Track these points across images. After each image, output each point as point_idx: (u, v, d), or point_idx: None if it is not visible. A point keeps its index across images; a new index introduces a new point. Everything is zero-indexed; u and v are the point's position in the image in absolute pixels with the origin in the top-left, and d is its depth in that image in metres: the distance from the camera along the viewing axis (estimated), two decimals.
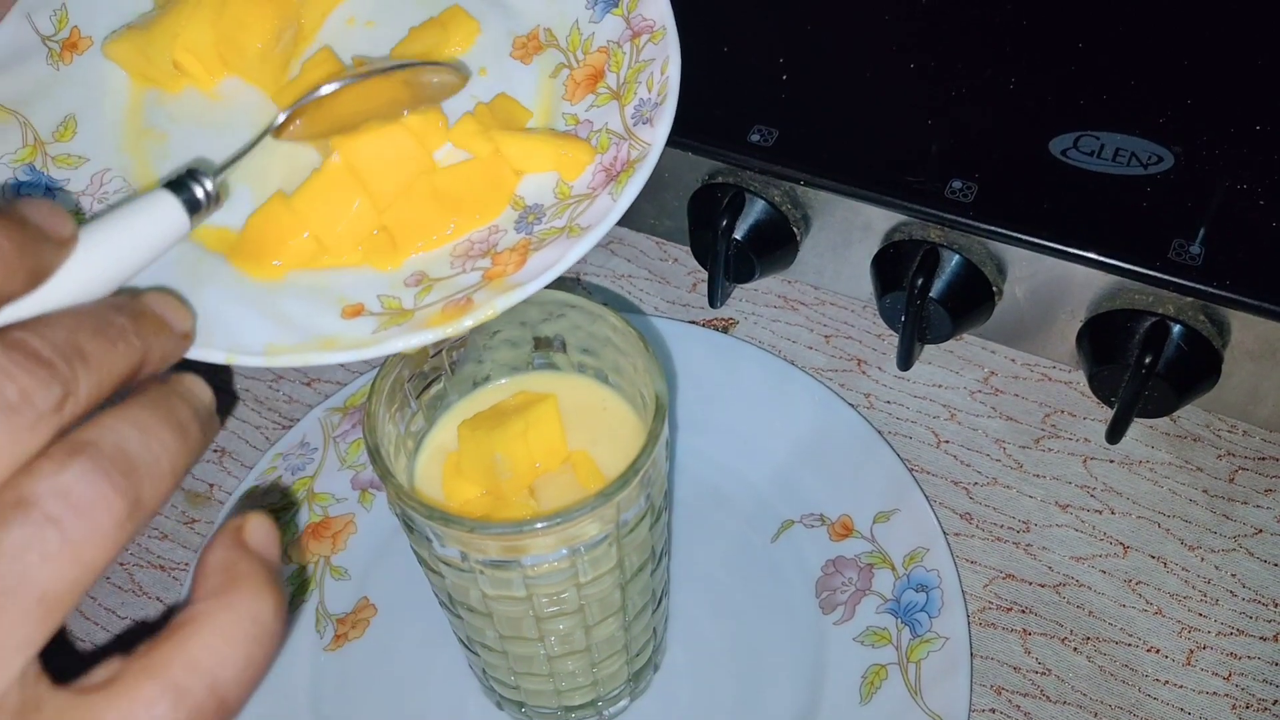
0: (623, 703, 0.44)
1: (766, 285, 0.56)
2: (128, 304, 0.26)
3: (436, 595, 0.39)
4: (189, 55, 0.39)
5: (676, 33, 0.38)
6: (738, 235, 0.46)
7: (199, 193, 0.30)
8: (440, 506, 0.34)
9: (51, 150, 0.38)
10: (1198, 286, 0.40)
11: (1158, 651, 0.45)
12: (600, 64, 0.39)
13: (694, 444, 0.51)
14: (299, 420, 0.53)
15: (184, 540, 0.51)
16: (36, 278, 0.25)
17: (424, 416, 0.39)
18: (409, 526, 0.35)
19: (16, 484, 0.22)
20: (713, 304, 0.48)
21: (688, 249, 0.56)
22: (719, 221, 0.46)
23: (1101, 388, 0.43)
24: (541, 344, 0.39)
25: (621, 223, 0.57)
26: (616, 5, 0.39)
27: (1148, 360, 0.40)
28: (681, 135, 0.47)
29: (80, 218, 0.28)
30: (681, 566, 0.47)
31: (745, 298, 0.56)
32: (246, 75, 0.39)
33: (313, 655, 0.46)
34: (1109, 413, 0.50)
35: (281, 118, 0.34)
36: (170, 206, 0.30)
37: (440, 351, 0.37)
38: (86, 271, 0.27)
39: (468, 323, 0.32)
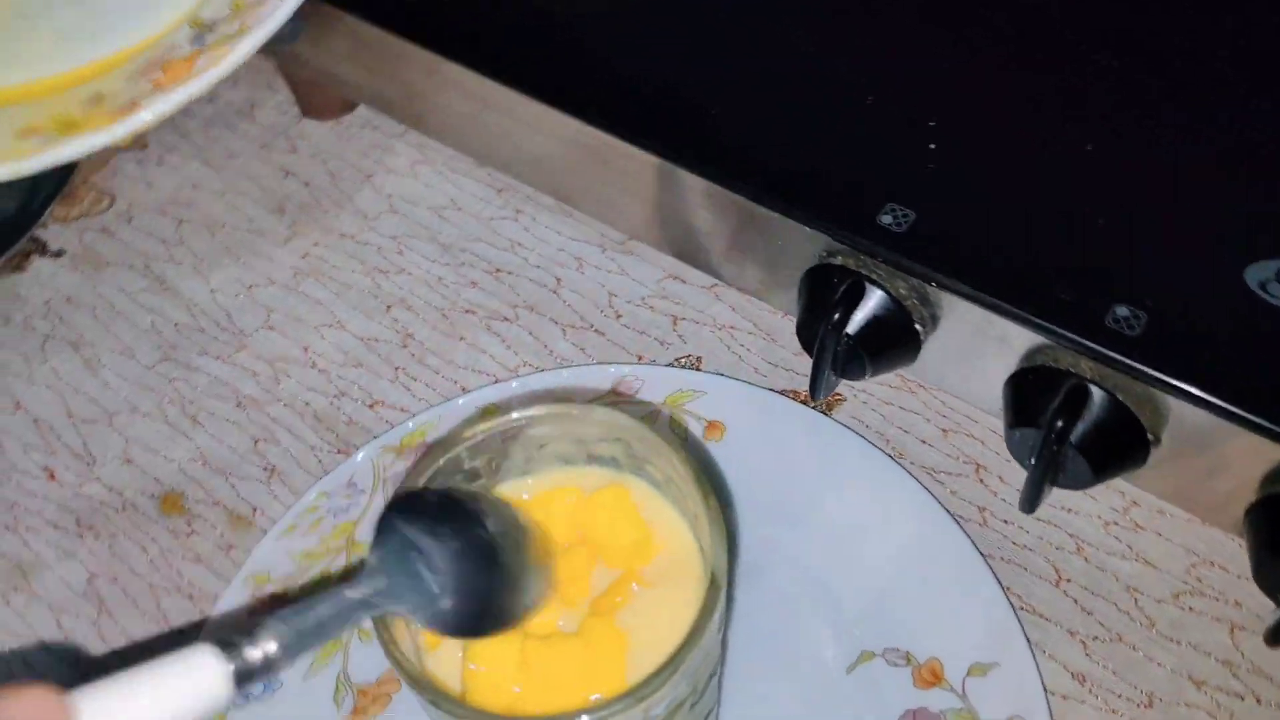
0: None
1: None
2: None
3: None
4: None
5: None
6: (850, 330, 0.40)
7: (255, 657, 0.24)
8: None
9: None
10: None
11: None
12: None
13: (774, 537, 0.45)
14: (356, 448, 0.49)
15: (218, 568, 0.47)
16: None
17: None
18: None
19: None
20: (814, 397, 0.42)
21: None
22: (830, 314, 0.39)
23: (1267, 581, 0.36)
24: (595, 462, 0.34)
25: (731, 282, 0.51)
26: None
27: None
28: (800, 205, 0.41)
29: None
30: (740, 680, 0.41)
31: None
32: None
33: None
34: None
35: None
36: (210, 671, 0.24)
37: (476, 467, 0.32)
38: None
39: (136, 121, 0.37)
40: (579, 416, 0.31)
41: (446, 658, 0.31)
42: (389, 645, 0.28)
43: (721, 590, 0.29)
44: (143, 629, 0.46)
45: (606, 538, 0.32)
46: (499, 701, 0.29)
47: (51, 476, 0.51)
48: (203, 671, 0.24)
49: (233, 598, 0.44)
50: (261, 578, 0.45)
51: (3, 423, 0.53)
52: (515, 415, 0.32)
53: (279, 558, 0.45)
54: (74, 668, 0.45)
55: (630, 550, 0.32)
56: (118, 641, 0.46)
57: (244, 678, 0.24)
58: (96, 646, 0.46)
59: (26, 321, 0.56)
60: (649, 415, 0.47)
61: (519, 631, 0.30)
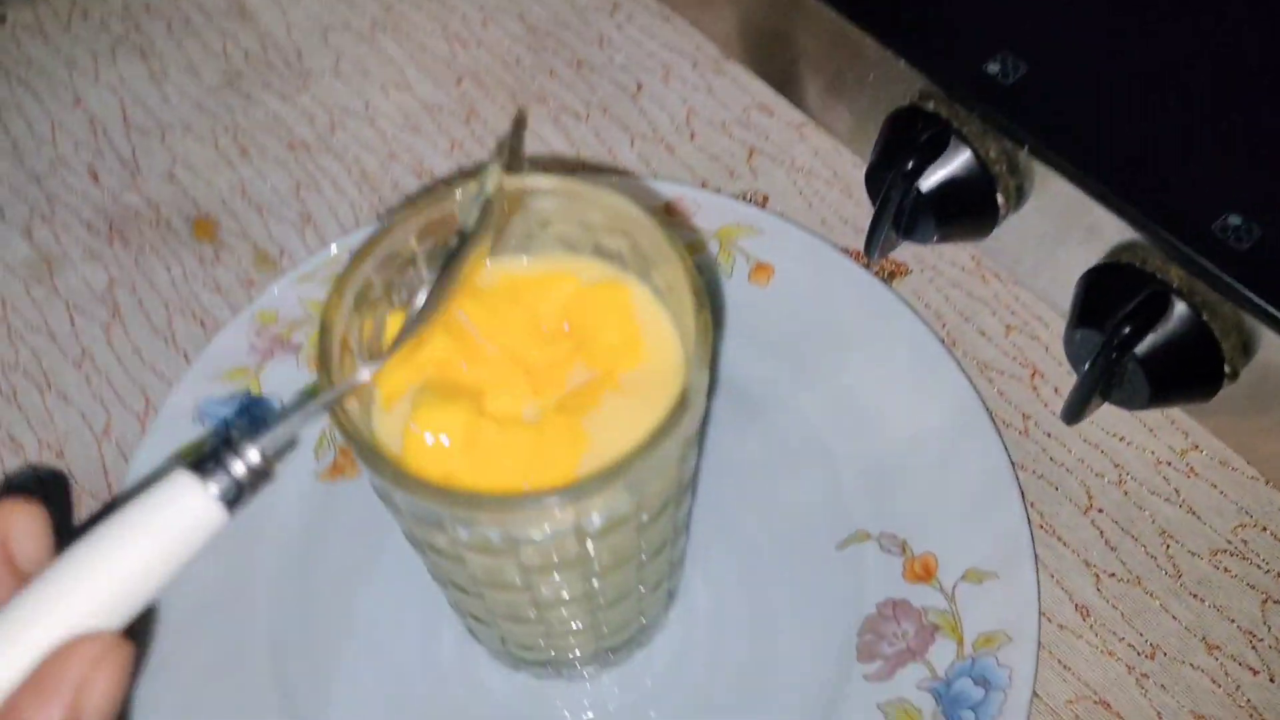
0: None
1: None
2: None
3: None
4: None
5: None
6: (924, 186, 0.36)
7: (240, 471, 0.22)
8: (407, 471, 0.27)
9: None
10: None
11: None
12: None
13: (793, 392, 0.42)
14: (394, 209, 0.47)
15: (234, 298, 0.47)
16: None
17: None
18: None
19: None
20: (868, 253, 0.38)
21: None
22: (904, 160, 0.35)
23: None
24: (601, 254, 0.31)
25: (820, 120, 0.47)
26: None
27: None
28: (899, 36, 0.36)
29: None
30: (718, 525, 0.40)
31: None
32: None
33: (303, 479, 0.42)
34: None
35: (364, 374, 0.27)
36: (194, 500, 0.22)
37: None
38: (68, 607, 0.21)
39: None
40: (586, 197, 0.29)
41: (394, 419, 0.29)
42: (335, 408, 0.26)
43: (690, 411, 0.26)
44: (149, 343, 0.46)
45: (593, 335, 0.30)
46: (435, 471, 0.27)
47: (95, 178, 0.50)
48: (188, 501, 0.22)
49: (237, 331, 0.43)
50: (269, 316, 0.43)
51: (60, 117, 0.52)
52: (518, 182, 0.29)
53: (290, 301, 0.44)
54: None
55: (614, 352, 0.30)
56: (124, 348, 0.45)
57: (234, 496, 0.23)
58: (103, 354, 0.45)
59: (103, 21, 0.55)
60: (695, 243, 0.44)
61: (474, 409, 0.28)
